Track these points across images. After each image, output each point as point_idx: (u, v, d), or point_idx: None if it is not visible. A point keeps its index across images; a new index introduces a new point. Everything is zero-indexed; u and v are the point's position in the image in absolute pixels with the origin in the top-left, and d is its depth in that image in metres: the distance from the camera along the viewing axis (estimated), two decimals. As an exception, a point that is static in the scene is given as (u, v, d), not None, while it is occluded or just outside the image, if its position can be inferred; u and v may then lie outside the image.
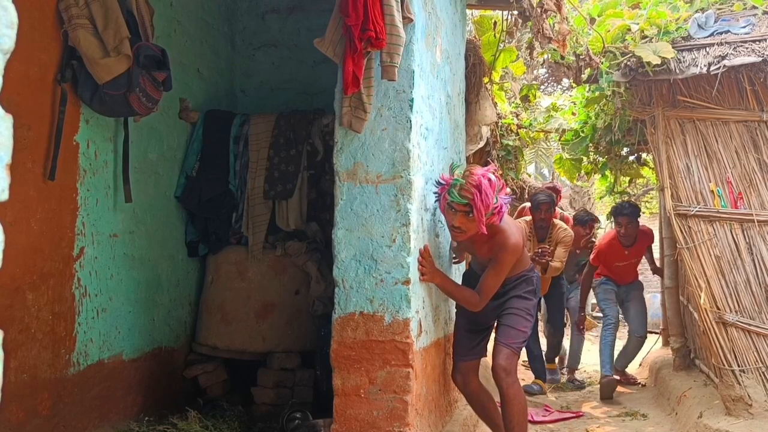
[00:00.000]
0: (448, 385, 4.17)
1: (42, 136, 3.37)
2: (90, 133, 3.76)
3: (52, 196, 3.47)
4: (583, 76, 5.54)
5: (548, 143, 9.04)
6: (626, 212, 6.54)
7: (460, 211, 3.43)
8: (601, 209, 13.24)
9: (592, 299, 9.33)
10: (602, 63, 5.25)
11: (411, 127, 3.33)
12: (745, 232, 4.89)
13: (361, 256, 3.30)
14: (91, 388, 3.75)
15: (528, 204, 6.88)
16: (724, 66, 4.80)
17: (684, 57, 4.97)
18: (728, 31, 5.02)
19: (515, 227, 3.71)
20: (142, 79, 3.66)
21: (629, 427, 5.20)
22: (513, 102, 8.27)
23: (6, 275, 3.16)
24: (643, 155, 7.35)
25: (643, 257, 7.11)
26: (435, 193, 3.63)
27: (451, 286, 3.75)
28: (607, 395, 6.30)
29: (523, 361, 7.32)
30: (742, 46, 4.90)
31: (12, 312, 3.19)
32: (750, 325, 4.77)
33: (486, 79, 5.61)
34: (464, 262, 4.63)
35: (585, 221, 7.52)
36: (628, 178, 7.96)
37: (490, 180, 3.43)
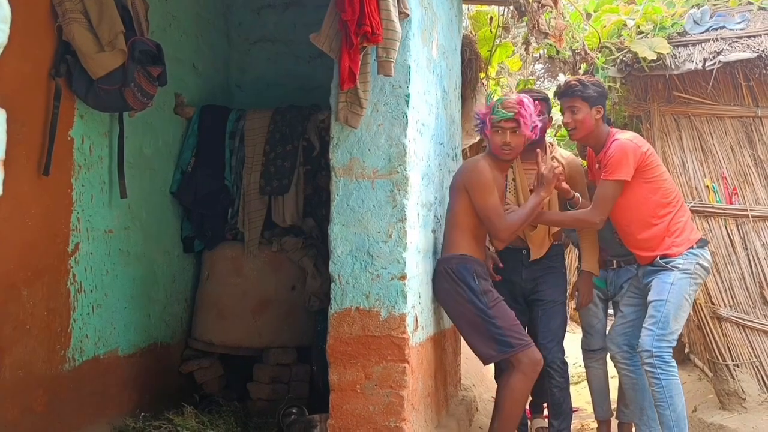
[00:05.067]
0: (445, 380, 4.18)
1: (36, 131, 3.35)
2: (85, 129, 3.74)
3: (47, 192, 3.45)
4: (579, 71, 5.54)
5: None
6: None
7: (507, 128, 3.65)
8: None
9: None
10: (598, 58, 5.25)
11: (407, 123, 3.32)
12: (739, 228, 4.90)
13: (357, 251, 3.30)
14: (87, 385, 3.74)
15: None
16: (720, 62, 4.80)
17: (679, 52, 4.97)
18: (723, 27, 5.02)
19: None
20: (137, 74, 3.65)
21: (624, 422, 5.20)
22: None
23: (0, 271, 3.15)
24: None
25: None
26: (477, 123, 3.83)
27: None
28: None
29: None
30: (737, 41, 4.90)
31: (6, 308, 3.18)
32: (744, 320, 4.78)
33: (482, 75, 5.60)
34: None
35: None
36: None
37: (528, 99, 3.73)
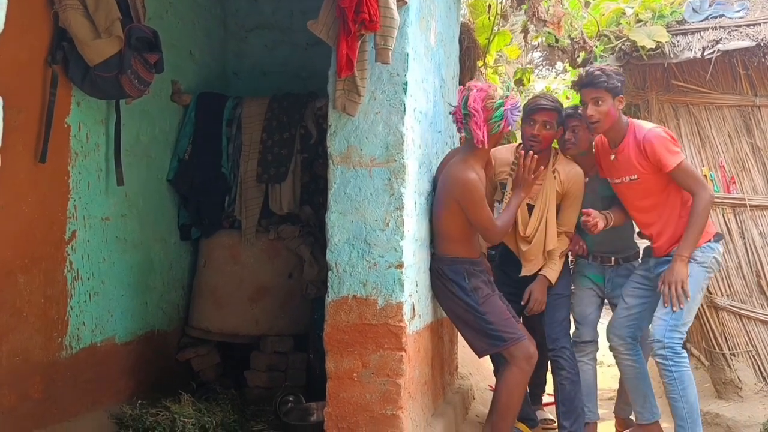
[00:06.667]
0: (441, 368, 4.19)
1: (33, 118, 3.34)
2: (81, 116, 3.73)
3: (44, 179, 3.45)
4: (577, 59, 5.52)
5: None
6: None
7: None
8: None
9: None
10: (597, 47, 5.24)
11: (405, 111, 3.31)
12: (737, 217, 4.90)
13: (355, 239, 3.30)
14: (84, 372, 3.75)
15: None
16: (718, 50, 4.79)
17: (678, 41, 4.96)
18: (723, 15, 5.01)
19: None
20: (133, 61, 3.63)
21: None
22: (507, 85, 8.23)
23: (-3, 258, 3.15)
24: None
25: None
26: (499, 116, 3.55)
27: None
28: None
29: None
30: (736, 30, 4.89)
31: (3, 296, 3.18)
32: (741, 309, 4.79)
33: (480, 63, 5.59)
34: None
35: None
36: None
37: (482, 89, 3.61)
